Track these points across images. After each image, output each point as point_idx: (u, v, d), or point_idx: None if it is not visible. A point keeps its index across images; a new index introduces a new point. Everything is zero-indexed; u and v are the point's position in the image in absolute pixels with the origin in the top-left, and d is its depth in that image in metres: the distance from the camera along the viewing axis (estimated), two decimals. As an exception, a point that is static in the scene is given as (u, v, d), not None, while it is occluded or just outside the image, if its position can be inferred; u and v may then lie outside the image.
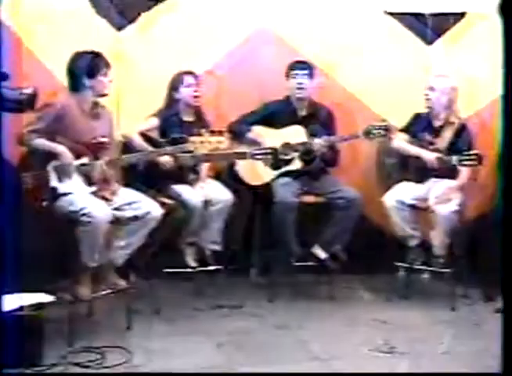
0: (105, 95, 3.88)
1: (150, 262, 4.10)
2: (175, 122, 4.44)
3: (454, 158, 4.24)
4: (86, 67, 3.76)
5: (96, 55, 3.83)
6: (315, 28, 4.86)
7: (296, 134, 4.58)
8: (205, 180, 4.48)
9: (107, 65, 3.84)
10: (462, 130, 4.50)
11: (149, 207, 3.82)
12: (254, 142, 4.53)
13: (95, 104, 3.88)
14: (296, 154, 4.55)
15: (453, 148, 4.42)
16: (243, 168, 4.59)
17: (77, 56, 3.82)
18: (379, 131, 4.41)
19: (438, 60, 4.99)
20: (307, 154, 4.54)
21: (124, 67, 4.42)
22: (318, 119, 4.65)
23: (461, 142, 4.46)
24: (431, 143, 4.49)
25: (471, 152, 4.21)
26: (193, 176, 4.46)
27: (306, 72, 4.57)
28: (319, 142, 4.46)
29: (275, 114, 4.63)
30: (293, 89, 4.60)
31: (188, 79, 4.45)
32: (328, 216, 4.46)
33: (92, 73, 3.77)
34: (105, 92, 3.86)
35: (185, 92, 4.45)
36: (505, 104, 2.86)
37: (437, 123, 4.56)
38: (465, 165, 4.26)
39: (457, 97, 4.53)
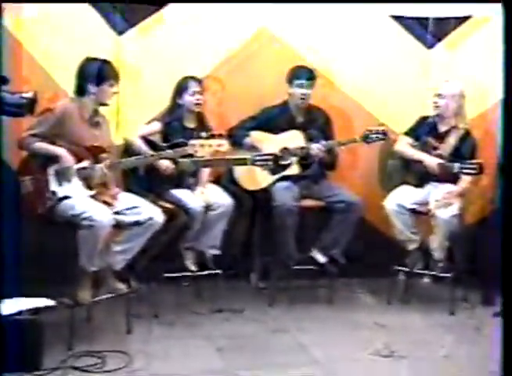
0: (106, 104, 3.90)
1: (150, 266, 4.10)
2: (178, 127, 4.42)
3: (456, 166, 4.22)
4: (95, 74, 3.78)
5: (107, 63, 3.85)
6: (315, 32, 4.85)
7: (294, 139, 4.57)
8: (205, 185, 4.48)
9: (116, 76, 3.86)
10: (466, 136, 4.49)
11: (150, 212, 3.82)
12: (252, 148, 4.54)
13: (96, 112, 3.88)
14: (294, 159, 4.55)
15: (456, 154, 4.41)
16: (241, 172, 4.59)
17: (89, 61, 3.83)
18: (376, 135, 4.43)
19: (438, 64, 4.99)
20: (305, 159, 4.54)
21: (125, 71, 4.41)
22: (316, 124, 4.65)
23: (464, 148, 4.45)
24: (435, 148, 4.47)
25: (473, 161, 4.17)
26: (193, 181, 4.46)
27: (310, 82, 4.56)
28: (316, 147, 4.46)
29: (273, 119, 4.63)
30: (295, 98, 4.59)
31: (192, 86, 4.43)
32: (327, 220, 4.46)
33: (99, 80, 3.78)
34: (107, 101, 3.88)
35: (188, 99, 4.44)
36: (505, 107, 2.86)
37: (442, 128, 4.55)
38: (466, 174, 4.24)
39: (465, 102, 4.52)
